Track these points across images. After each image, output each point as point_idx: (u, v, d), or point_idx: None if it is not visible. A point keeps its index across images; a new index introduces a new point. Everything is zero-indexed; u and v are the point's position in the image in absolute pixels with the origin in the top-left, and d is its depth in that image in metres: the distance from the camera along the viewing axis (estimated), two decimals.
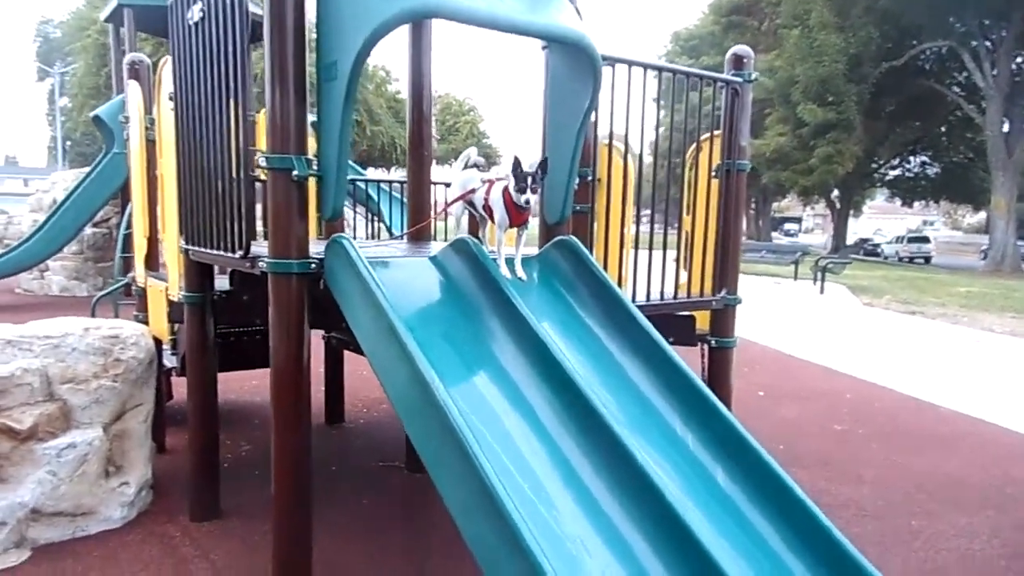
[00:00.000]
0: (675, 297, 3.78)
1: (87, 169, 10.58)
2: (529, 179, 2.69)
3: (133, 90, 4.24)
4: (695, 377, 2.62)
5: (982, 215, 44.52)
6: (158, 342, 4.13)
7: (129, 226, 6.13)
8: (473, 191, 3.03)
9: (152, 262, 4.20)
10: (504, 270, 2.78)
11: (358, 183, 7.69)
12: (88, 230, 10.88)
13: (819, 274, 16.17)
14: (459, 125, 39.12)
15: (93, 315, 5.37)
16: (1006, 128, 28.22)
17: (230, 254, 2.84)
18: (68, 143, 38.21)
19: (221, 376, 3.69)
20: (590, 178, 4.48)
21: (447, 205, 3.28)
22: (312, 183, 2.61)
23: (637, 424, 2.53)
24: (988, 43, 28.05)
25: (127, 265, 7.49)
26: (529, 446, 2.27)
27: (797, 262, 18.82)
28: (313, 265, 2.60)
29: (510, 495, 1.87)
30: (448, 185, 5.17)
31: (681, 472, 2.40)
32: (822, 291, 15.64)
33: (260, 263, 2.63)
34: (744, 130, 3.87)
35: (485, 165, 7.18)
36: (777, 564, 2.20)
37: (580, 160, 4.42)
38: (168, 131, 3.57)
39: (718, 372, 4.03)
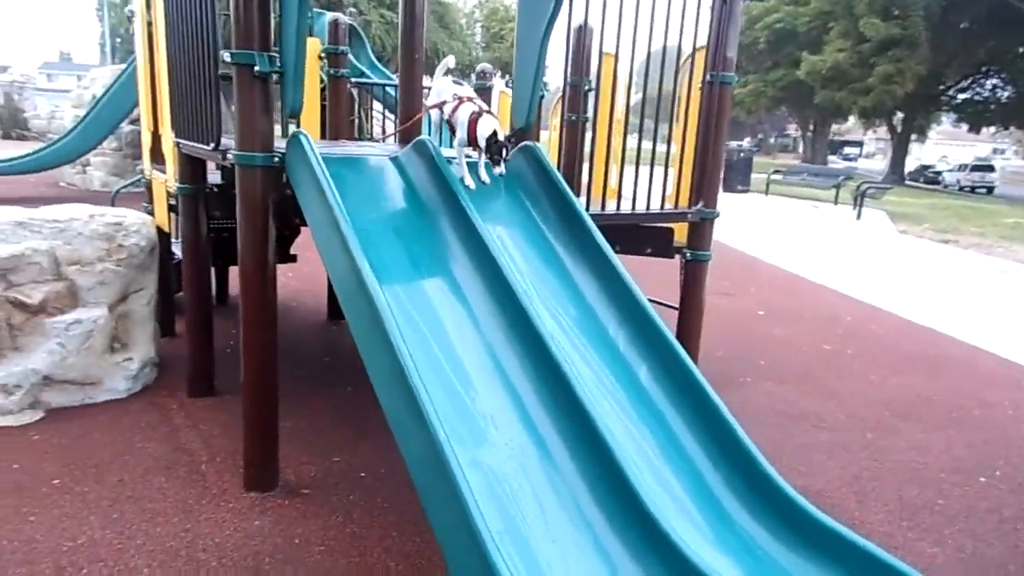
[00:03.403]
0: (647, 209, 3.84)
1: (123, 66, 10.79)
2: (503, 151, 2.81)
3: None
4: (635, 287, 2.75)
5: None
6: (165, 234, 4.40)
7: None
8: (444, 103, 3.11)
9: (157, 155, 4.41)
10: (468, 180, 2.90)
11: (388, 89, 7.70)
12: (126, 127, 11.17)
13: (858, 199, 15.75)
14: (504, 32, 38.05)
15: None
16: None
17: (204, 146, 3.02)
18: (118, 39, 38.45)
19: (233, 270, 3.92)
20: (587, 88, 4.51)
21: (425, 111, 3.38)
22: None
23: (576, 324, 2.70)
24: None
25: None
26: (460, 336, 2.45)
27: (838, 186, 18.32)
28: (276, 159, 2.76)
29: (420, 373, 2.07)
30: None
31: (609, 367, 2.58)
32: (859, 216, 15.29)
33: (229, 155, 2.80)
34: (732, 41, 3.82)
35: (491, 73, 6.97)
36: (681, 454, 2.38)
37: (573, 70, 4.46)
38: (162, 27, 3.70)
39: (692, 284, 4.13)
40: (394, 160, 2.99)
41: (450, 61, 3.34)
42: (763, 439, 3.72)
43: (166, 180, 4.02)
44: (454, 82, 3.18)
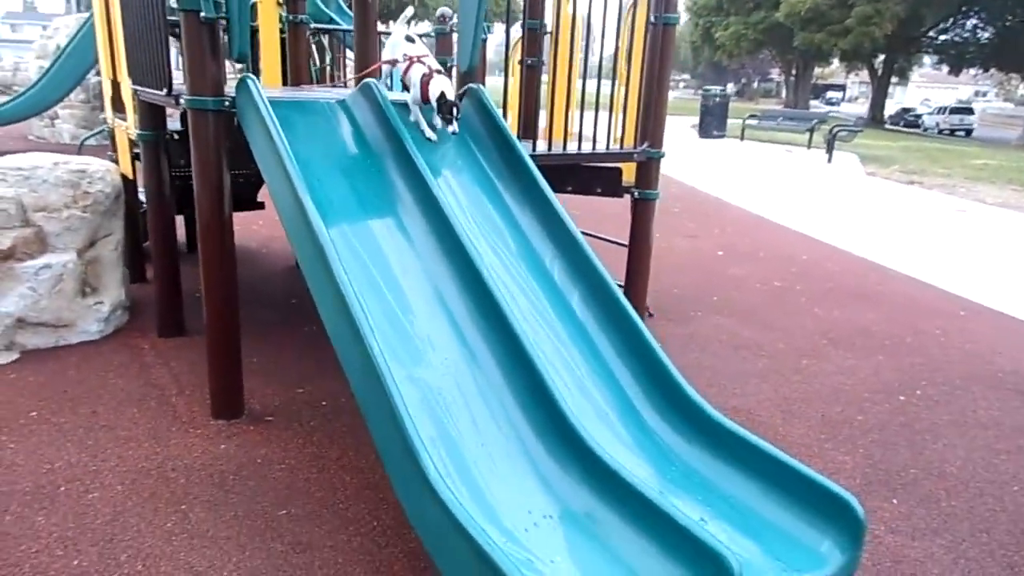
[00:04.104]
0: (593, 149, 4.00)
1: (87, 15, 10.61)
2: (454, 110, 2.93)
3: None
4: (570, 223, 2.95)
5: None
6: (131, 181, 4.50)
7: None
8: (396, 61, 3.22)
9: (118, 104, 4.49)
10: (428, 132, 3.07)
11: (350, 33, 7.68)
12: (92, 78, 11.01)
13: (829, 142, 15.91)
14: None
15: None
16: None
17: (158, 92, 3.13)
18: None
19: None
20: (541, 30, 4.62)
21: (377, 64, 3.48)
22: None
23: (516, 256, 2.89)
24: None
25: None
26: (402, 267, 2.64)
27: (812, 130, 18.45)
28: (227, 103, 2.88)
29: (359, 299, 2.25)
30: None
31: (544, 294, 2.79)
32: (830, 160, 15.47)
33: (181, 100, 2.92)
34: None
35: (450, 17, 6.90)
36: (606, 370, 2.61)
37: (532, 12, 4.54)
38: None
39: (640, 222, 4.32)
40: (341, 103, 3.12)
41: (407, 13, 3.42)
42: (704, 365, 4.01)
43: (127, 128, 4.11)
44: (407, 39, 3.26)
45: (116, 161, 4.56)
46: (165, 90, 3.05)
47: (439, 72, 3.02)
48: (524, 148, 3.19)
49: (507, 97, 3.76)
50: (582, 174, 4.22)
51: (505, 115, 4.03)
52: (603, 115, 4.03)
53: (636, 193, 4.25)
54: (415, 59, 3.10)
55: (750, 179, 12.56)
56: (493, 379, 2.39)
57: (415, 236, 2.74)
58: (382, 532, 2.47)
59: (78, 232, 3.94)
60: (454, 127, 2.95)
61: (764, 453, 2.24)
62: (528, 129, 4.36)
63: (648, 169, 4.21)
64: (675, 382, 2.51)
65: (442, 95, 2.91)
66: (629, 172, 4.34)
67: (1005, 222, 9.65)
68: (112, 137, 4.64)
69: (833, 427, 3.40)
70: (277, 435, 3.10)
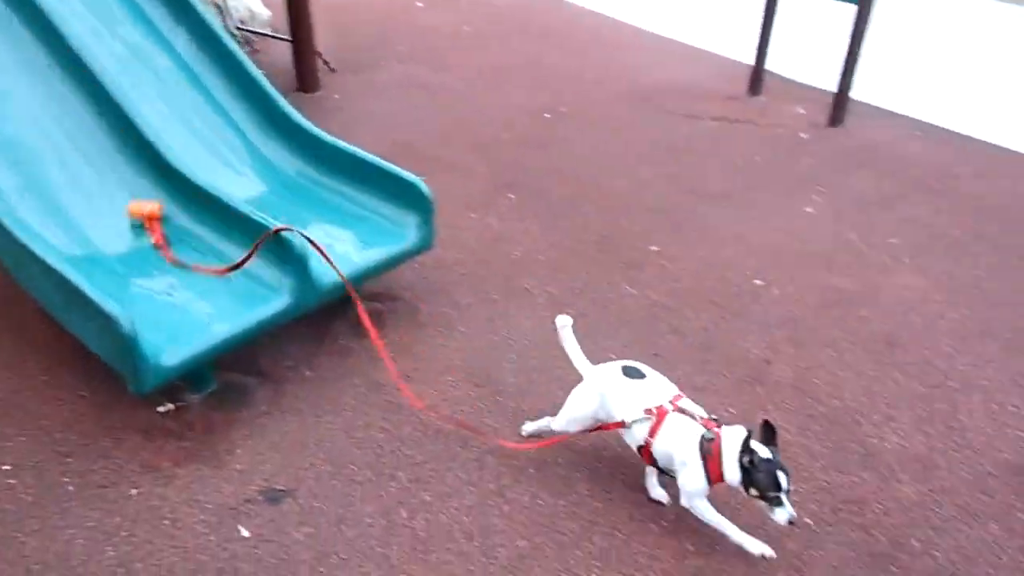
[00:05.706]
0: None
1: None
2: (782, 477, 1.60)
3: None
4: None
5: None
6: None
7: None
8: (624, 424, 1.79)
9: None
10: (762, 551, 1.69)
11: None
12: None
13: None
14: None
15: None
16: None
17: None
18: None
19: None
20: None
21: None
22: None
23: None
24: None
25: None
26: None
27: None
28: None
29: None
30: None
31: (151, 44, 2.71)
32: None
33: None
34: None
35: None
36: (219, 108, 2.67)
37: None
38: None
39: None
40: None
41: (566, 321, 1.92)
42: (378, 110, 4.19)
43: None
44: (625, 372, 1.84)
45: None
46: None
47: (722, 424, 1.74)
48: None
49: None
50: None
51: None
52: None
53: None
54: (669, 410, 1.75)
55: None
56: (84, 125, 2.37)
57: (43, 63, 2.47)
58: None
59: None
60: (790, 510, 1.62)
61: (358, 159, 2.48)
62: None
63: None
64: (283, 111, 2.65)
65: (748, 453, 1.61)
66: None
67: None
68: None
69: (481, 147, 3.77)
70: None
